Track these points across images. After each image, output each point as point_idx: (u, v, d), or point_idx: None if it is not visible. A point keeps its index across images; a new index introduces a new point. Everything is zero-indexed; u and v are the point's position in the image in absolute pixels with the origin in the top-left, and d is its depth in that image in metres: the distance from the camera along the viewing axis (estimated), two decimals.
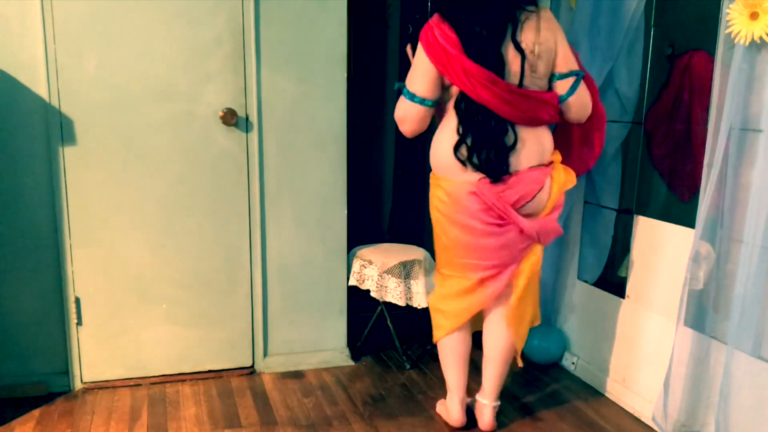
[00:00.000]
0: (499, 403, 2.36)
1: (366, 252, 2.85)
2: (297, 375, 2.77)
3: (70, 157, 2.43)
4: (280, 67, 2.58)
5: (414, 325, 3.15)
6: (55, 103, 2.39)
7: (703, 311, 2.06)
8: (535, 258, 2.19)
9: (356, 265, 2.85)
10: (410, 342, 3.08)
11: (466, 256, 2.17)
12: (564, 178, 2.20)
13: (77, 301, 2.52)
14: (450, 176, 2.14)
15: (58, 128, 2.40)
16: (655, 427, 2.27)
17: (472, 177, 2.10)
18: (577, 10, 2.59)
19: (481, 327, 2.36)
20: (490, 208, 2.10)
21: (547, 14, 2.12)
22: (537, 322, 2.36)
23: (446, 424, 2.37)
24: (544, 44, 2.07)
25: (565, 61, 2.12)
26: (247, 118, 2.58)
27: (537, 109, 2.08)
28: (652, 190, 2.54)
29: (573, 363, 2.84)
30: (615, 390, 2.59)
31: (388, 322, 2.91)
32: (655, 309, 2.38)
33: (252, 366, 2.77)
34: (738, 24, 1.84)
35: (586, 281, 2.77)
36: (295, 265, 2.74)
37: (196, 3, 2.45)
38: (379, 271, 2.76)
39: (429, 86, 2.09)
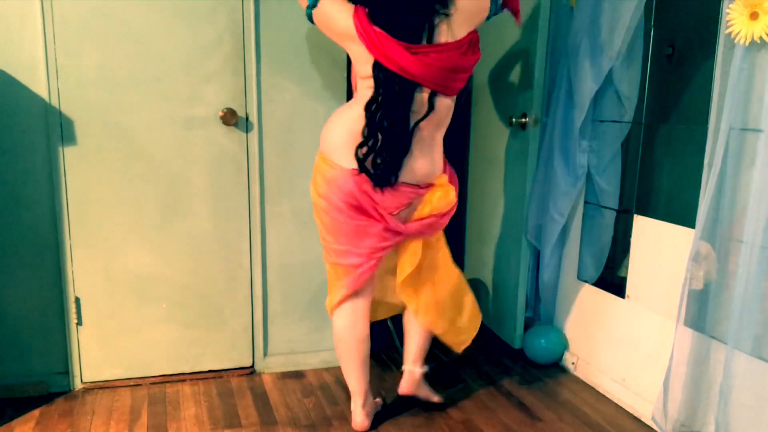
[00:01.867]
0: (424, 369, 2.42)
1: None
2: (297, 375, 2.77)
3: (70, 157, 2.43)
4: (280, 67, 2.58)
5: None
6: (55, 103, 2.39)
7: (703, 311, 2.06)
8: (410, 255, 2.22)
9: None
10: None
11: (338, 241, 2.18)
12: (436, 203, 2.18)
13: (77, 301, 2.52)
14: (337, 161, 2.12)
15: (58, 128, 2.40)
16: (655, 427, 2.27)
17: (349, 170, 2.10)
18: (577, 10, 2.59)
19: (379, 317, 2.46)
20: (360, 204, 2.11)
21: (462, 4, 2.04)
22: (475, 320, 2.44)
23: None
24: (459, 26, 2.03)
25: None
26: (247, 118, 2.58)
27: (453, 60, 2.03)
28: (652, 189, 2.54)
29: (573, 363, 2.84)
30: (615, 390, 2.59)
31: (388, 322, 2.90)
32: (655, 309, 2.38)
33: (252, 366, 2.77)
34: (738, 24, 1.84)
35: (586, 281, 2.77)
36: (295, 265, 2.74)
37: (196, 3, 2.45)
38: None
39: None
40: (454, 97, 2.14)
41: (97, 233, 2.50)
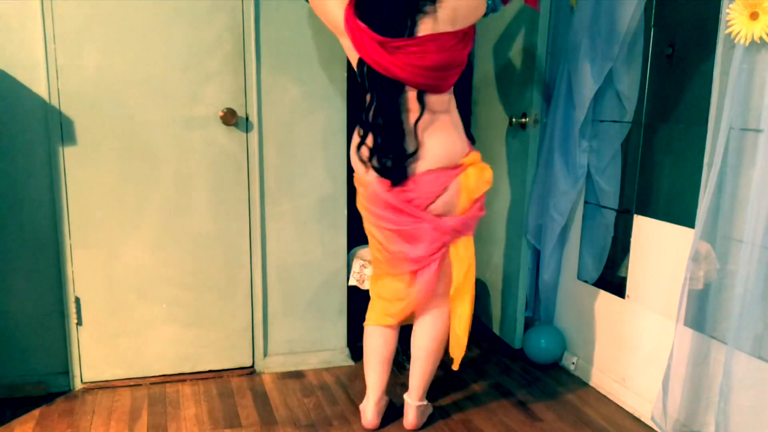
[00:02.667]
0: (425, 403, 2.36)
1: (366, 252, 2.85)
2: (297, 375, 2.77)
3: (70, 157, 2.43)
4: (280, 67, 2.58)
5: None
6: (55, 103, 2.39)
7: (703, 311, 2.06)
8: (464, 248, 2.18)
9: (356, 265, 2.85)
10: (410, 342, 3.06)
11: (390, 248, 2.17)
12: (473, 185, 2.12)
13: (77, 301, 2.52)
14: (361, 173, 2.14)
15: (58, 128, 2.40)
16: (655, 427, 2.27)
17: (373, 177, 2.10)
18: (577, 10, 2.59)
19: (411, 322, 2.36)
20: (396, 208, 2.10)
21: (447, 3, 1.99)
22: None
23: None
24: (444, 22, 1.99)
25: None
26: (247, 118, 2.58)
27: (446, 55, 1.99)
28: (652, 189, 2.54)
29: (573, 363, 2.84)
30: (615, 390, 2.59)
31: None
32: (655, 309, 2.38)
33: (252, 366, 2.77)
34: (738, 24, 1.84)
35: (586, 281, 2.77)
36: (295, 265, 2.74)
37: (196, 3, 2.45)
38: None
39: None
40: (450, 90, 2.09)
41: (97, 233, 2.50)
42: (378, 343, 2.31)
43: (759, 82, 1.84)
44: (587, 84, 2.53)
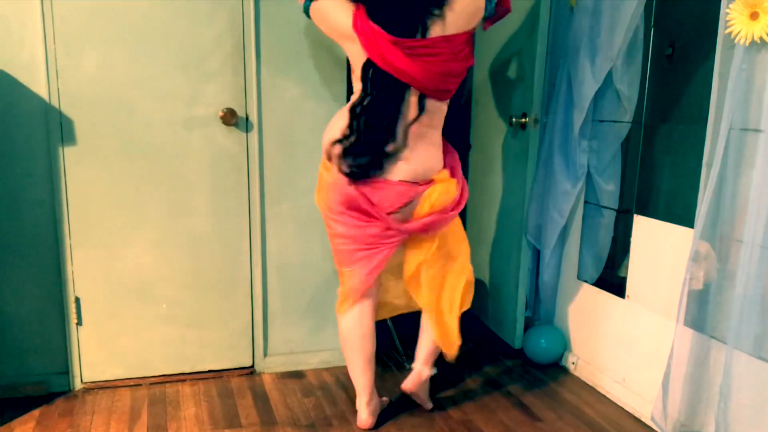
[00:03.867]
0: (432, 371, 2.42)
1: None
2: (297, 375, 2.77)
3: (70, 157, 2.43)
4: (280, 67, 2.58)
5: (414, 325, 3.14)
6: (55, 103, 2.39)
7: (703, 311, 2.06)
8: (433, 246, 2.22)
9: None
10: (410, 342, 3.06)
11: (344, 244, 2.21)
12: (435, 200, 2.14)
13: (77, 301, 2.52)
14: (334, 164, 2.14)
15: (58, 128, 2.40)
16: (655, 427, 2.27)
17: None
18: (577, 10, 2.59)
19: (385, 316, 2.47)
20: (353, 203, 2.13)
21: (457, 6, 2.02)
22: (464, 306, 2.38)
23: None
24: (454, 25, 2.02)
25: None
26: (247, 118, 2.58)
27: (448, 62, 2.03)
28: (652, 189, 2.54)
29: (573, 363, 2.84)
30: (615, 390, 2.59)
31: (388, 322, 2.90)
32: (655, 309, 2.38)
33: (252, 366, 2.77)
34: (738, 24, 1.84)
35: (586, 281, 2.77)
36: (295, 265, 2.74)
37: (196, 3, 2.45)
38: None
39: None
40: (447, 100, 2.13)
41: (97, 233, 2.50)
42: (351, 336, 2.31)
43: (759, 82, 1.84)
44: (587, 84, 2.54)
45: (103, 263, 2.52)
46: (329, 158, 2.13)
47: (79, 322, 2.54)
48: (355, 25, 2.02)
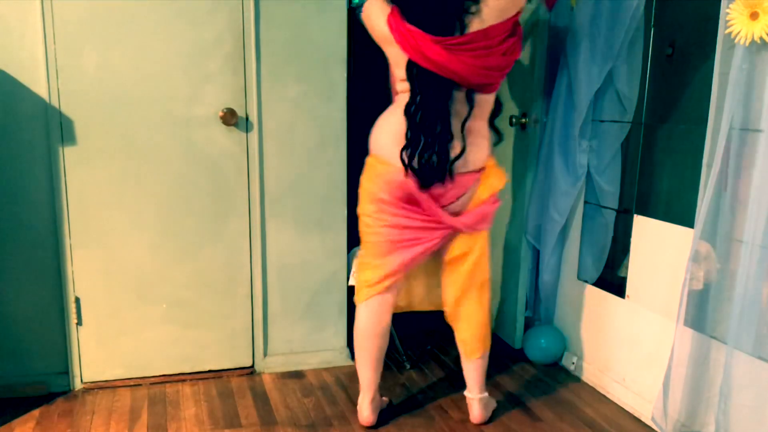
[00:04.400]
0: (485, 394, 2.38)
1: None
2: (297, 375, 2.77)
3: (70, 157, 2.43)
4: (280, 67, 2.58)
5: (414, 325, 3.15)
6: (55, 103, 2.39)
7: (703, 311, 2.06)
8: (480, 243, 2.25)
9: (356, 265, 2.85)
10: (410, 342, 3.07)
11: (388, 240, 2.21)
12: (490, 184, 2.22)
13: (77, 301, 2.52)
14: (390, 160, 2.14)
15: (58, 128, 2.40)
16: (655, 427, 2.27)
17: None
18: (577, 10, 2.59)
19: (402, 308, 2.48)
20: (412, 200, 2.16)
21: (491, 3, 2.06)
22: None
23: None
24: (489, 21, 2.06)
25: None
26: (247, 118, 2.58)
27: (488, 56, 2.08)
28: (652, 189, 2.54)
29: (573, 363, 2.84)
30: (615, 390, 2.59)
31: None
32: (655, 309, 2.38)
33: (252, 366, 2.77)
34: (738, 24, 1.84)
35: (586, 281, 2.77)
36: (295, 265, 2.74)
37: (196, 3, 2.45)
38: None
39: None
40: (494, 93, 2.18)
41: (97, 233, 2.50)
42: (366, 334, 2.30)
43: (759, 82, 1.84)
44: (587, 84, 2.54)
45: (103, 263, 2.52)
46: (385, 156, 2.14)
47: (79, 322, 2.54)
48: (391, 27, 2.06)
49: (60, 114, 2.40)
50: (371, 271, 2.27)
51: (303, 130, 2.65)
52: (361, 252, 2.33)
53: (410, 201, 2.17)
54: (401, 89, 2.15)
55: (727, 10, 1.87)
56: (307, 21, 2.57)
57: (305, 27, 2.57)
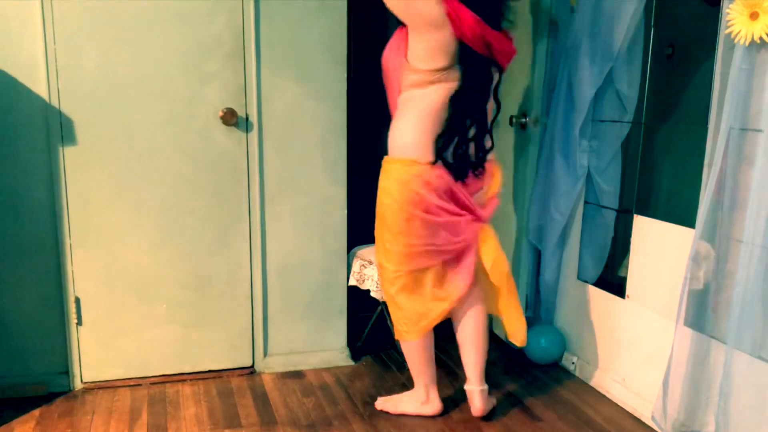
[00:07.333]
0: (486, 386, 2.41)
1: (366, 252, 2.85)
2: (297, 375, 2.78)
3: (70, 157, 2.43)
4: (280, 67, 2.58)
5: None
6: (55, 103, 2.39)
7: (702, 311, 2.06)
8: (491, 239, 2.30)
9: (356, 265, 2.85)
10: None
11: (425, 244, 2.21)
12: (499, 178, 2.34)
13: (77, 301, 2.52)
14: (420, 159, 2.16)
15: (58, 128, 2.40)
16: (655, 427, 2.27)
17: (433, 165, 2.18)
18: (577, 10, 2.59)
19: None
20: (450, 197, 2.21)
21: None
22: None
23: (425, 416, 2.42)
24: None
25: None
26: (247, 118, 2.58)
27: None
28: (652, 189, 2.54)
29: (573, 363, 2.84)
30: (615, 390, 2.59)
31: (388, 322, 2.90)
32: (655, 309, 2.38)
33: (252, 366, 2.77)
34: (738, 24, 1.84)
35: (586, 281, 2.77)
36: (295, 265, 2.74)
37: (196, 3, 2.45)
38: None
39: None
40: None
41: (97, 233, 2.50)
42: (426, 342, 2.36)
43: (759, 82, 1.84)
44: (587, 84, 2.53)
45: (103, 263, 2.52)
46: (418, 156, 2.16)
47: (79, 322, 2.54)
48: (450, 13, 2.06)
49: (60, 114, 2.40)
50: (407, 308, 2.29)
51: (303, 130, 2.65)
52: (396, 268, 2.25)
53: (451, 197, 2.21)
54: (433, 79, 2.12)
55: (727, 10, 1.87)
56: (307, 21, 2.57)
57: (305, 27, 2.57)
